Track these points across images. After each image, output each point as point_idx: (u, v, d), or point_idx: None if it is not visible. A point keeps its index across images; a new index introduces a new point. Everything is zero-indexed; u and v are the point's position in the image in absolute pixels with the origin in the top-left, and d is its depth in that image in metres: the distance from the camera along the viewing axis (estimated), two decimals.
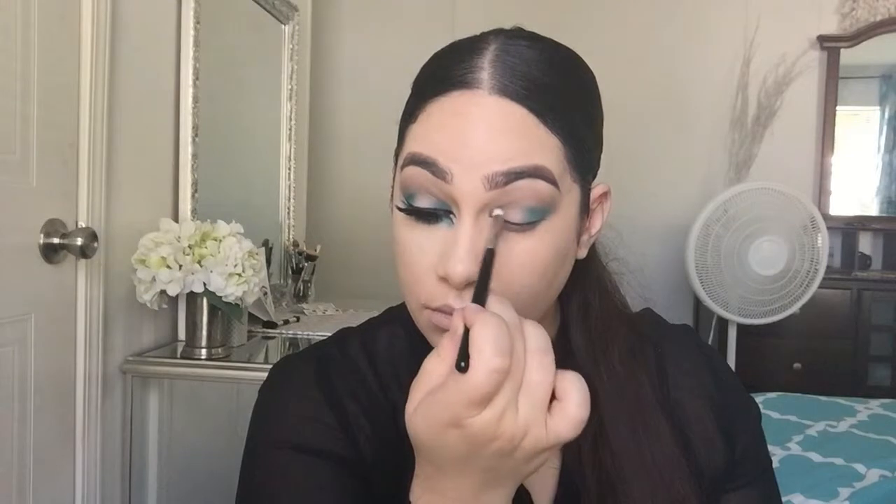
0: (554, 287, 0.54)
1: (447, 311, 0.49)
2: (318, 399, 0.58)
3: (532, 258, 0.49)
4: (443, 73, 0.51)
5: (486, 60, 0.49)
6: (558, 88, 0.50)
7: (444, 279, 0.48)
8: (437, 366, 0.42)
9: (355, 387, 0.59)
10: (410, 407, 0.42)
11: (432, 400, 0.40)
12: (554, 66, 0.51)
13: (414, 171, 0.50)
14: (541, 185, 0.48)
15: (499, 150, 0.48)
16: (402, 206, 0.51)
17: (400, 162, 0.52)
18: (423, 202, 0.50)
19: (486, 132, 0.48)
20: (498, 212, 0.48)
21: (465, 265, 0.47)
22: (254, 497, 0.57)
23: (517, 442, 0.40)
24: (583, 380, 0.41)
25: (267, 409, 0.60)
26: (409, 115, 0.53)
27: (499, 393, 0.39)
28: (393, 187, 0.55)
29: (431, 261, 0.50)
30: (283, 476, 0.56)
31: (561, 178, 0.49)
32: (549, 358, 0.41)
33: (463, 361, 0.39)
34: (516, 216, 0.48)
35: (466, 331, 0.40)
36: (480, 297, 0.42)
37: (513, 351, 0.39)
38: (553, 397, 0.41)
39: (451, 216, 0.50)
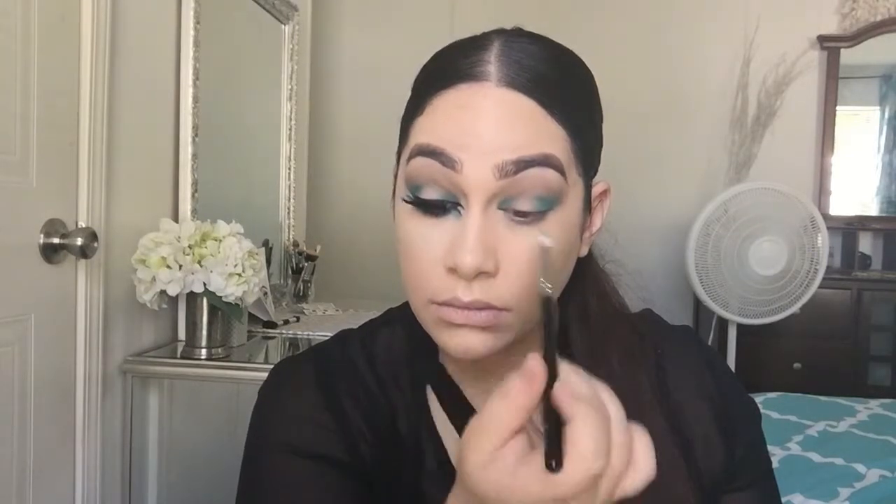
0: (558, 283, 0.54)
1: (456, 305, 0.49)
2: (317, 401, 0.58)
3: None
4: (448, 68, 0.51)
5: (493, 55, 0.50)
6: (563, 84, 0.50)
7: (453, 271, 0.48)
8: (507, 413, 0.38)
9: (355, 388, 0.59)
10: (479, 456, 0.38)
11: (513, 468, 0.37)
12: (557, 62, 0.51)
13: (421, 163, 0.49)
14: (550, 175, 0.48)
15: (508, 139, 0.48)
16: (407, 198, 0.51)
17: (405, 156, 0.52)
18: (430, 194, 0.50)
19: (495, 122, 0.48)
20: (544, 240, 0.43)
21: (474, 256, 0.47)
22: (253, 500, 0.57)
23: None
24: (650, 440, 0.39)
25: (266, 411, 0.60)
26: (413, 111, 0.52)
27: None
28: (395, 185, 0.54)
29: (438, 253, 0.49)
30: (282, 479, 0.56)
31: (568, 170, 0.50)
32: (627, 429, 0.39)
33: (555, 461, 0.36)
34: (525, 205, 0.48)
35: (555, 419, 0.37)
36: (551, 353, 0.38)
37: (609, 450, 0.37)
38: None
39: (459, 208, 0.49)
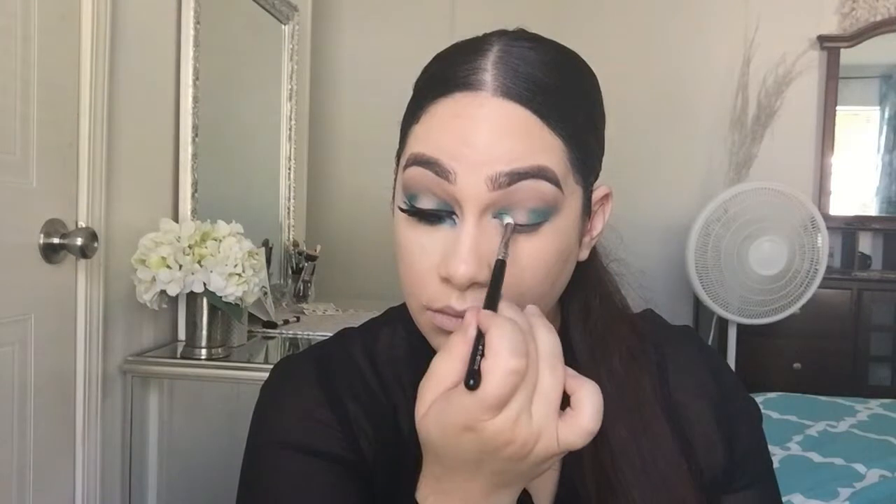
0: (557, 288, 0.54)
1: (449, 313, 0.49)
2: (319, 399, 0.58)
3: (536, 260, 0.49)
4: (445, 75, 0.50)
5: (489, 62, 0.49)
6: (561, 90, 0.50)
7: (447, 280, 0.48)
8: (448, 365, 0.41)
9: (356, 387, 0.59)
10: (421, 408, 0.42)
11: (446, 403, 0.40)
12: (557, 68, 0.50)
13: (416, 172, 0.50)
14: (544, 187, 0.48)
15: (502, 150, 0.47)
16: (404, 206, 0.51)
17: (402, 163, 0.52)
18: (425, 203, 0.50)
19: (489, 133, 0.48)
20: (508, 220, 0.47)
21: (468, 266, 0.47)
22: (254, 497, 0.57)
23: (530, 447, 0.40)
24: (599, 391, 0.41)
25: (268, 409, 0.60)
26: (412, 116, 0.52)
27: (514, 397, 0.39)
28: (394, 188, 0.54)
29: (433, 261, 0.50)
30: (283, 476, 0.56)
31: (564, 180, 0.49)
32: (561, 362, 0.41)
33: (472, 379, 0.38)
34: (520, 217, 0.48)
35: (478, 339, 0.39)
36: (492, 305, 0.42)
37: (528, 354, 0.39)
38: (566, 402, 0.41)
39: (454, 217, 0.49)
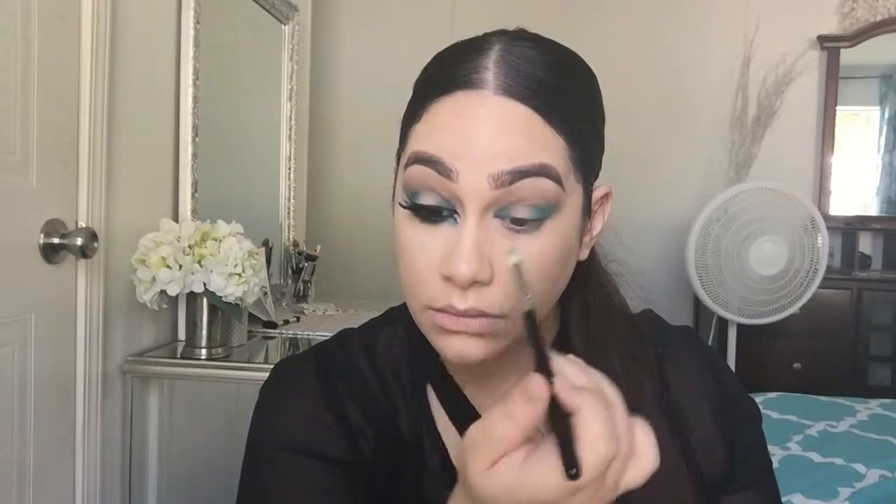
0: (557, 287, 0.54)
1: (451, 312, 0.49)
2: (318, 400, 0.58)
3: (538, 257, 0.49)
4: (446, 74, 0.50)
5: (491, 61, 0.49)
6: (562, 89, 0.50)
7: (448, 279, 0.48)
8: (509, 431, 0.38)
9: (356, 388, 0.59)
10: (481, 466, 0.38)
11: (524, 474, 0.37)
12: (558, 68, 0.50)
13: (418, 170, 0.49)
14: (546, 184, 0.48)
15: (504, 148, 0.47)
16: (405, 204, 0.51)
17: (403, 161, 0.52)
18: (426, 200, 0.50)
19: (491, 131, 0.48)
20: (515, 259, 0.43)
21: (469, 265, 0.47)
22: (254, 498, 0.57)
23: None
24: (651, 430, 0.40)
25: (268, 410, 0.60)
26: (412, 115, 0.52)
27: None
28: (395, 188, 0.54)
29: (434, 260, 0.49)
30: (283, 477, 0.56)
31: (566, 178, 0.49)
32: (625, 413, 0.39)
33: (574, 469, 0.36)
34: (521, 214, 0.48)
35: (566, 422, 0.37)
36: (544, 365, 0.39)
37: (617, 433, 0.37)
38: None
39: (455, 215, 0.49)
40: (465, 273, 0.47)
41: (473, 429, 0.39)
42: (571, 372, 0.39)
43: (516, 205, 0.48)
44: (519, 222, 0.49)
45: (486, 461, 0.38)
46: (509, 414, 0.38)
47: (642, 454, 0.39)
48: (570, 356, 0.41)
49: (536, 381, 0.37)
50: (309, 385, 0.59)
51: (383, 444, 0.57)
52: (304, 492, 0.55)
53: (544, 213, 0.49)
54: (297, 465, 0.55)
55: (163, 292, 1.38)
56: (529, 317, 0.40)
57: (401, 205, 0.52)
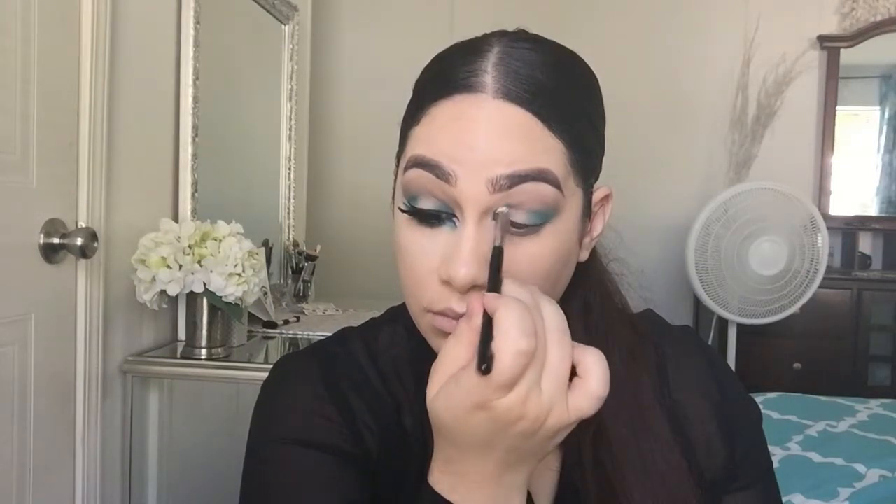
0: (557, 289, 0.54)
1: (450, 315, 0.49)
2: (321, 394, 0.58)
3: (536, 261, 0.49)
4: (446, 77, 0.50)
5: (490, 63, 0.49)
6: (562, 92, 0.50)
7: (447, 282, 0.48)
8: (456, 350, 0.42)
9: (358, 384, 0.59)
10: (432, 391, 0.43)
11: (455, 384, 0.41)
12: (557, 70, 0.50)
13: (417, 174, 0.49)
14: (545, 189, 0.48)
15: (503, 153, 0.47)
16: (404, 207, 0.51)
17: (402, 164, 0.52)
18: (425, 204, 0.50)
19: (489, 135, 0.48)
20: (502, 209, 0.47)
21: (468, 268, 0.47)
22: (259, 493, 0.57)
23: (541, 421, 0.41)
24: (603, 357, 0.43)
25: (269, 404, 0.60)
26: (412, 117, 0.52)
27: (524, 375, 0.40)
28: (394, 189, 0.54)
29: (433, 263, 0.49)
30: (288, 471, 0.55)
31: (565, 182, 0.49)
32: (567, 336, 0.42)
33: (485, 364, 0.39)
34: (520, 219, 0.48)
35: (486, 324, 0.40)
36: (496, 289, 0.43)
37: (536, 332, 0.40)
38: (573, 373, 0.42)
39: (454, 219, 0.49)
40: (463, 276, 0.47)
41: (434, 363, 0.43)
42: (512, 287, 0.43)
43: (515, 209, 0.48)
44: (518, 226, 0.49)
45: (437, 382, 0.43)
46: (455, 334, 0.43)
47: (590, 379, 0.42)
48: (529, 285, 0.44)
49: (474, 297, 0.42)
50: (311, 379, 0.59)
51: (387, 439, 0.57)
52: (309, 482, 0.54)
53: (543, 217, 0.49)
54: (300, 456, 0.55)
55: (163, 292, 1.38)
56: (498, 250, 0.45)
57: (400, 208, 0.52)
